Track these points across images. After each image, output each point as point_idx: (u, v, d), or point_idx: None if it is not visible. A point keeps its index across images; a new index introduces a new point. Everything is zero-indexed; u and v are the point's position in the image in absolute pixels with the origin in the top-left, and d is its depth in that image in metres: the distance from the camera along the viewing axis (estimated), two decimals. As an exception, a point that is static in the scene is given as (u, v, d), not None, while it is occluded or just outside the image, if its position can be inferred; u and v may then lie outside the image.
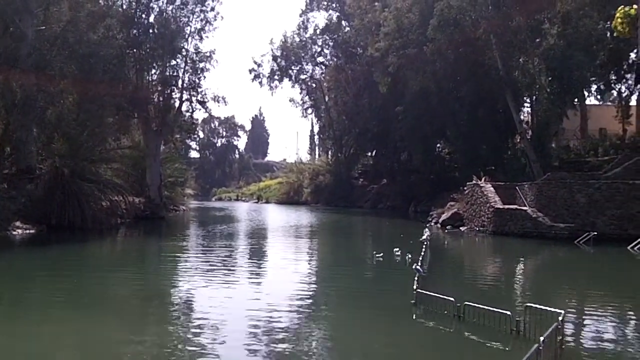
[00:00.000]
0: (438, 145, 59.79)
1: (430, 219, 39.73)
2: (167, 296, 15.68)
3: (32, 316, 12.88)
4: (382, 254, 20.98)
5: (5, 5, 34.32)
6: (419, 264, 16.66)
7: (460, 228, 35.62)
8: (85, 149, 35.93)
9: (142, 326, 12.35)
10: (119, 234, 34.03)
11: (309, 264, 23.79)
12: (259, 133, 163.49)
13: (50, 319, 12.61)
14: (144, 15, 47.75)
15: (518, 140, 48.07)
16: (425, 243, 23.14)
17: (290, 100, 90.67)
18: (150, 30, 47.49)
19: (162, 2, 48.13)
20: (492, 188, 34.02)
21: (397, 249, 21.71)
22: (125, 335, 11.22)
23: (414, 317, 12.71)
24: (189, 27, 49.48)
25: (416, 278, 14.60)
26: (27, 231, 29.51)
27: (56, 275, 18.81)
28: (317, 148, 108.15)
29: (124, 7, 47.04)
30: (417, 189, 56.66)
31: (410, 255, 20.06)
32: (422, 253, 20.19)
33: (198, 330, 11.35)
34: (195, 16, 49.49)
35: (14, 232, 28.90)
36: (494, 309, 11.28)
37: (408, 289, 14.05)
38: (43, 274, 19.26)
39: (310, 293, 16.14)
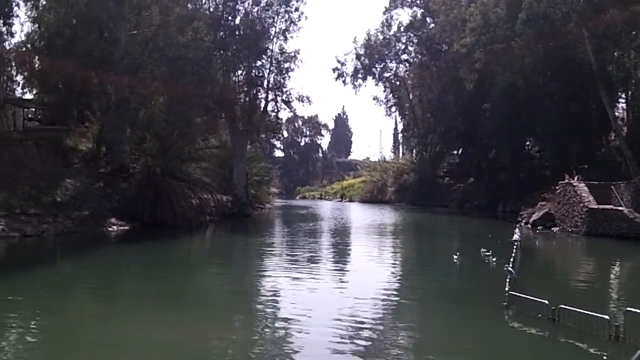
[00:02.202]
0: (527, 142, 57.96)
1: (520, 219, 38.60)
2: (253, 292, 15.92)
3: (125, 308, 13.38)
4: (458, 255, 20.49)
5: (101, 12, 35.84)
6: (510, 265, 16.19)
7: (552, 229, 34.42)
8: (176, 149, 36.93)
9: (229, 321, 12.59)
10: (207, 231, 34.85)
11: (394, 263, 23.60)
12: (342, 132, 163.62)
13: (142, 312, 13.07)
14: (230, 18, 48.78)
15: (612, 137, 46.01)
16: (515, 244, 22.48)
17: (373, 99, 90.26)
18: (236, 32, 48.42)
19: (248, 4, 49.02)
20: (585, 187, 32.71)
21: (486, 250, 21.20)
22: (213, 329, 11.44)
23: (505, 320, 12.36)
24: (273, 28, 50.15)
25: (508, 279, 14.20)
26: (122, 228, 30.64)
27: (148, 269, 19.49)
28: (401, 146, 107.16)
29: (211, 10, 48.21)
30: (505, 188, 55.13)
31: (495, 257, 19.56)
32: (513, 254, 19.62)
33: (283, 326, 11.43)
34: (279, 17, 50.10)
35: (110, 229, 30.08)
36: (591, 313, 10.81)
37: (498, 290, 13.70)
38: (136, 268, 19.99)
39: (395, 293, 15.94)
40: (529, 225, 36.56)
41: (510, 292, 12.95)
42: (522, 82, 49.31)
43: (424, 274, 19.54)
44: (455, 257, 20.55)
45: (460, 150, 75.39)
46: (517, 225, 33.58)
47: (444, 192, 72.41)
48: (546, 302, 11.72)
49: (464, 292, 15.85)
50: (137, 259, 22.41)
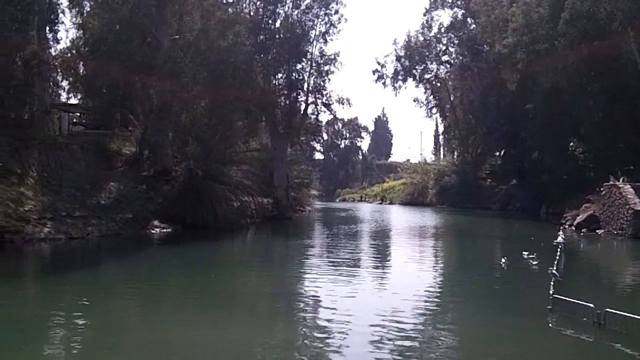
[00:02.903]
0: (571, 144, 56.83)
1: (563, 222, 37.88)
2: (294, 294, 15.95)
3: (167, 309, 13.57)
4: (505, 258, 20.06)
5: (143, 17, 36.45)
6: (554, 268, 15.90)
7: (597, 231, 33.66)
8: (217, 152, 37.29)
9: (269, 322, 12.66)
10: (248, 233, 35.09)
11: (435, 265, 23.39)
12: (382, 134, 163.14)
13: (183, 312, 13.25)
14: (270, 21, 49.08)
15: (659, 138, 44.82)
16: (559, 246, 22.06)
17: (414, 100, 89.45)
18: (277, 36, 48.71)
19: (288, 7, 49.24)
20: (631, 189, 31.88)
21: (530, 253, 20.83)
22: (254, 330, 11.53)
23: (549, 324, 12.13)
24: (313, 31, 50.21)
25: (552, 283, 13.94)
26: (164, 230, 31.06)
27: (190, 271, 19.73)
28: (442, 148, 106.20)
29: (252, 13, 48.59)
30: (548, 190, 54.13)
31: (537, 260, 19.21)
32: (557, 257, 19.26)
33: (323, 328, 11.45)
34: (319, 20, 50.13)
35: (152, 231, 30.54)
36: (638, 317, 10.53)
37: (541, 294, 13.46)
38: (178, 269, 20.27)
39: (436, 296, 15.81)
40: (573, 228, 35.85)
41: (555, 296, 12.71)
42: (565, 83, 48.37)
43: (466, 276, 19.32)
44: (502, 261, 20.03)
45: (502, 152, 74.44)
46: (561, 228, 33.02)
47: (485, 194, 71.54)
48: (591, 305, 11.48)
49: (506, 295, 15.63)
50: (179, 260, 22.71)
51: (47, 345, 10.60)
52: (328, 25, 50.42)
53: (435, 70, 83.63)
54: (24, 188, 27.27)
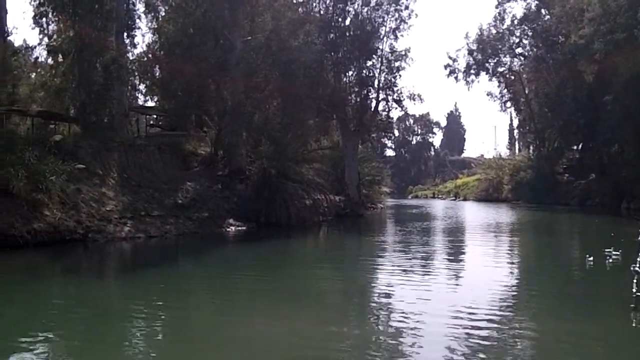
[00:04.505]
0: (654, 136, 54.65)
1: (646, 217, 36.41)
2: (366, 292, 15.95)
3: (242, 304, 13.83)
4: (592, 258, 19.29)
5: (216, 20, 37.18)
6: (637, 265, 15.29)
7: (683, 227, 32.21)
8: (289, 151, 37.65)
9: (343, 319, 12.67)
10: (321, 230, 35.30)
11: (512, 263, 22.85)
12: (454, 129, 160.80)
13: (258, 307, 13.52)
14: (340, 19, 49.12)
15: None
16: (642, 243, 21.14)
17: (487, 94, 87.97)
18: (347, 33, 48.70)
19: (358, 4, 49.15)
20: None
21: (611, 250, 20.06)
22: (328, 326, 11.56)
23: (633, 324, 11.70)
24: (383, 27, 49.92)
25: (635, 280, 13.42)
26: (239, 228, 31.61)
27: (264, 267, 20.06)
28: (517, 143, 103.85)
29: (322, 12, 48.76)
30: (630, 184, 52.09)
31: (618, 257, 18.51)
32: (640, 254, 18.49)
33: (397, 327, 11.35)
34: (389, 16, 49.80)
35: (228, 229, 31.13)
36: None
37: (623, 292, 12.99)
38: (253, 266, 20.61)
39: (513, 294, 15.44)
40: (658, 224, 34.39)
41: (638, 294, 12.25)
42: (646, 72, 46.51)
43: (544, 274, 18.80)
44: (589, 259, 19.17)
45: (580, 146, 72.10)
46: (645, 224, 31.71)
47: (563, 189, 69.46)
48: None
49: (587, 293, 15.10)
50: (254, 257, 23.09)
51: (129, 339, 11.05)
52: (398, 21, 50.03)
53: (508, 63, 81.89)
54: (106, 189, 28.34)
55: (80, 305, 13.76)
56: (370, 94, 50.85)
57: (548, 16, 71.76)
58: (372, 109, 51.11)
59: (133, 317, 12.49)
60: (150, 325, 11.98)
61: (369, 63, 49.82)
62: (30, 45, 48.91)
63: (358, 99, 50.56)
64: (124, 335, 11.27)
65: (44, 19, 43.98)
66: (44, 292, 15.66)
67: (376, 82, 50.26)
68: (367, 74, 49.94)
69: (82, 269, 20.79)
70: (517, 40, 79.23)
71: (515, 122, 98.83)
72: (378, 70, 50.13)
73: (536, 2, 74.50)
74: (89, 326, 11.80)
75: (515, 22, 77.39)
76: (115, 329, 11.68)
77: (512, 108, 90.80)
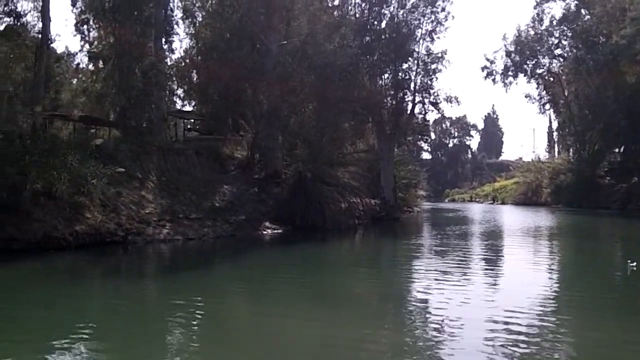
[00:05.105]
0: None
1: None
2: (403, 296, 15.88)
3: (278, 307, 13.92)
4: (635, 263, 18.79)
5: (253, 25, 37.60)
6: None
7: None
8: (325, 154, 37.71)
9: (378, 323, 12.63)
10: (356, 234, 35.27)
11: (550, 269, 22.43)
12: (492, 132, 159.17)
13: (294, 310, 13.57)
14: (375, 22, 49.03)
15: None
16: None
17: (525, 97, 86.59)
18: (382, 36, 48.59)
19: (393, 7, 48.98)
20: None
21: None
22: (363, 331, 11.57)
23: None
24: (419, 30, 49.61)
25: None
26: (275, 231, 31.82)
27: (300, 270, 20.20)
28: (556, 145, 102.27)
29: (357, 15, 48.78)
30: (673, 188, 51.09)
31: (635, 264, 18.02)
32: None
33: (433, 332, 11.32)
34: (425, 18, 49.50)
35: (264, 232, 31.38)
36: None
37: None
38: (288, 269, 20.72)
39: (552, 300, 15.16)
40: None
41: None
42: (691, 73, 45.53)
43: (583, 279, 18.50)
44: (630, 265, 18.58)
45: (622, 148, 70.80)
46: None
47: (604, 192, 68.17)
48: None
49: (628, 299, 14.83)
50: (289, 260, 23.24)
51: (167, 339, 11.29)
52: (434, 23, 49.69)
53: (547, 64, 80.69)
54: (145, 192, 28.87)
55: (120, 306, 14.09)
56: (406, 96, 50.62)
57: (588, 16, 70.66)
58: (408, 112, 50.88)
59: (171, 317, 12.75)
60: (188, 326, 12.21)
61: (405, 65, 49.60)
62: (72, 52, 50.30)
63: (394, 102, 50.38)
64: (162, 335, 11.52)
65: (85, 26, 45.17)
66: (86, 293, 16.08)
67: (412, 85, 50.01)
68: (403, 76, 49.72)
69: (122, 270, 21.25)
70: (556, 41, 78.12)
71: (555, 125, 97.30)
72: (414, 72, 49.89)
73: (576, 2, 73.39)
74: (128, 326, 12.08)
75: (554, 22, 76.34)
76: (153, 329, 11.92)
77: (551, 110, 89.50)
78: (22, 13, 37.49)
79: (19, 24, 36.96)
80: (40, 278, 18.12)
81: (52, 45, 39.36)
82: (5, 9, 36.66)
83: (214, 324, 12.48)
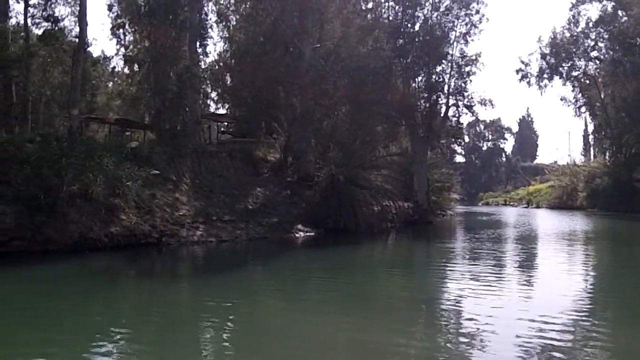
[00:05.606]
0: None
1: None
2: (435, 300, 15.70)
3: (310, 309, 13.92)
4: None
5: (286, 28, 37.75)
6: None
7: None
8: (358, 157, 37.66)
9: (410, 328, 12.51)
10: (389, 237, 35.12)
11: (586, 273, 22.05)
12: (526, 135, 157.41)
13: (326, 313, 13.49)
14: (409, 25, 48.81)
15: None
16: None
17: (561, 99, 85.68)
18: (416, 39, 48.37)
19: (427, 10, 48.70)
20: None
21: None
22: (394, 335, 11.44)
23: None
24: (453, 32, 49.21)
25: None
26: (307, 234, 31.82)
27: (332, 273, 20.06)
28: (592, 149, 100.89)
29: (390, 18, 48.65)
30: None
31: None
32: None
33: (466, 338, 11.12)
34: (459, 21, 49.09)
35: (296, 235, 31.40)
36: None
37: None
38: (320, 271, 20.68)
39: (588, 305, 14.83)
40: None
41: None
42: None
43: (620, 284, 18.14)
44: None
45: (660, 151, 69.47)
46: None
47: (642, 197, 66.92)
48: None
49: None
50: (321, 263, 23.22)
51: (200, 340, 11.33)
52: (469, 25, 49.26)
53: (583, 67, 79.51)
54: (179, 194, 29.13)
55: (154, 306, 14.21)
56: (439, 99, 50.26)
57: (625, 18, 69.47)
58: (442, 115, 50.49)
59: (205, 318, 12.85)
60: (221, 327, 12.25)
61: (439, 68, 49.25)
62: (108, 56, 51.18)
63: (427, 105, 50.04)
64: (195, 336, 11.55)
65: (121, 30, 45.93)
66: (120, 294, 16.27)
67: (446, 88, 49.64)
68: (437, 79, 49.39)
69: (156, 271, 21.44)
70: (593, 43, 76.94)
71: (590, 128, 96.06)
72: (448, 75, 49.51)
73: (613, 3, 72.20)
74: (161, 327, 12.17)
75: (591, 24, 75.21)
76: (186, 330, 11.97)
77: (587, 113, 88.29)
78: (59, 18, 38.40)
79: (56, 28, 37.79)
80: (76, 279, 18.37)
81: (88, 49, 40.17)
82: (44, 14, 37.50)
83: (247, 327, 12.46)
